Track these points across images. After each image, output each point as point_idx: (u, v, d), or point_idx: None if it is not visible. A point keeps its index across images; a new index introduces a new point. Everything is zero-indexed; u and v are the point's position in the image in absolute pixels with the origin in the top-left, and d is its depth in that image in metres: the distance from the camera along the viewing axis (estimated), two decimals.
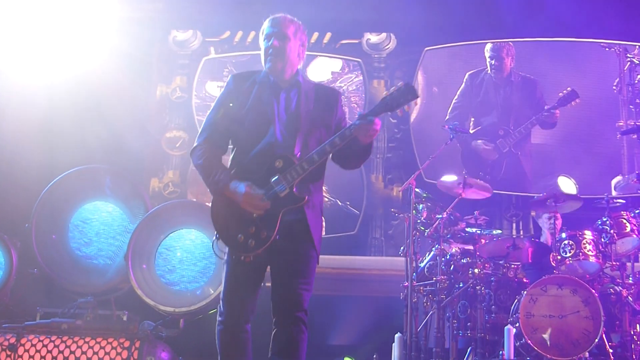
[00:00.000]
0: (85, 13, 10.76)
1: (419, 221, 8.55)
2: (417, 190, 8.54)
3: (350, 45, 11.32)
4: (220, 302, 4.98)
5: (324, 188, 5.24)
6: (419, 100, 4.60)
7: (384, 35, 11.25)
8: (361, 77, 11.06)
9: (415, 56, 11.12)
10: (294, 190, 4.82)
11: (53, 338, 7.67)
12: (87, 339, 7.69)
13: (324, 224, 5.25)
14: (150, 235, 8.35)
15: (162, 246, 8.38)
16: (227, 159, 5.17)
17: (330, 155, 4.95)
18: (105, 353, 7.62)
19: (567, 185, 10.18)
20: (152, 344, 7.81)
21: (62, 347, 7.64)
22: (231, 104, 5.02)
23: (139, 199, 8.76)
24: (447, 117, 10.73)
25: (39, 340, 7.65)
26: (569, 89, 10.13)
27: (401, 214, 8.96)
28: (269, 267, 5.02)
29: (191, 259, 8.42)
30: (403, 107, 4.84)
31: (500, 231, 9.24)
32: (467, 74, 10.89)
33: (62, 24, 10.72)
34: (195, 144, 5.07)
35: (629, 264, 8.38)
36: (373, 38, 11.27)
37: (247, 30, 11.32)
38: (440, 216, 8.36)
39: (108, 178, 8.67)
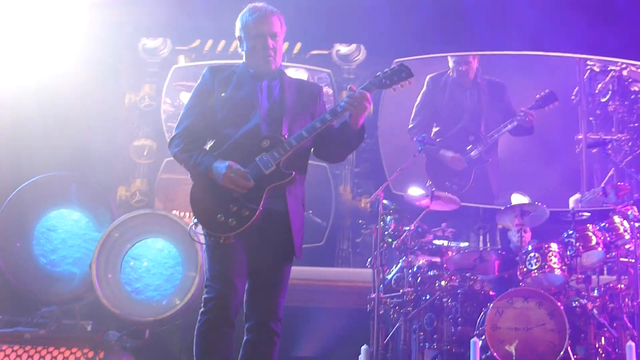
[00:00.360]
0: (52, 17, 10.69)
1: (386, 233, 8.55)
2: (384, 202, 8.55)
3: (319, 56, 11.33)
4: (205, 290, 4.65)
5: None
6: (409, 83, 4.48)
7: (353, 46, 11.27)
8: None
9: (385, 67, 11.05)
10: (280, 166, 4.66)
11: (15, 347, 7.60)
12: (50, 349, 7.63)
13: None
14: (117, 244, 8.30)
15: (128, 255, 8.33)
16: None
17: (316, 149, 4.95)
18: None
19: (520, 202, 10.14)
20: (117, 354, 7.76)
21: (24, 357, 7.58)
22: (209, 94, 4.89)
23: (105, 208, 8.70)
24: (411, 125, 10.73)
25: (1, 350, 7.56)
26: (547, 90, 9.99)
27: (369, 226, 8.97)
28: None
29: (158, 269, 8.38)
30: (397, 86, 4.88)
31: (467, 243, 9.27)
32: (428, 76, 10.82)
33: (29, 29, 10.64)
34: (173, 134, 4.88)
35: (594, 277, 8.43)
36: (343, 49, 11.28)
37: (218, 39, 11.30)
38: (408, 228, 8.37)
39: (74, 186, 8.61)
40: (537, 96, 9.31)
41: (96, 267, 8.08)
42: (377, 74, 4.88)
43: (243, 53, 5.01)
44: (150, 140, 11.06)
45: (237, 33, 5.06)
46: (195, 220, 4.69)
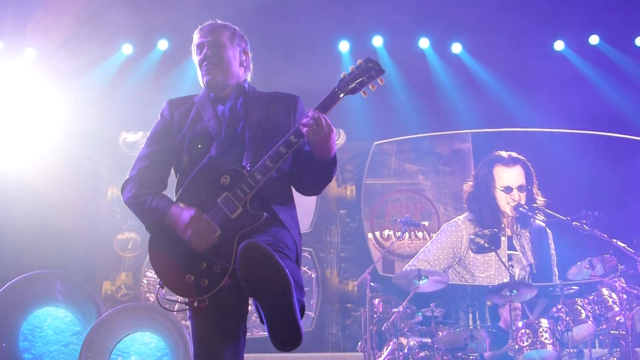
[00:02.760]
0: (33, 112, 10.77)
1: (375, 315, 8.51)
2: (372, 284, 8.53)
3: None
4: None
5: None
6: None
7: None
8: None
9: (365, 150, 11.26)
10: (248, 207, 3.94)
11: None
12: None
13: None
14: (104, 340, 8.18)
15: (116, 350, 8.20)
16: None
17: (290, 175, 4.24)
18: None
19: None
20: None
21: None
22: (168, 131, 4.29)
23: (91, 303, 8.60)
24: None
25: None
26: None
27: (357, 309, 8.94)
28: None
29: None
30: (368, 87, 4.17)
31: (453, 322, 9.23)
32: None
33: (9, 124, 10.72)
34: (125, 178, 4.28)
35: (586, 351, 8.40)
36: None
37: None
38: (397, 310, 8.33)
39: (58, 283, 8.52)
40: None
41: None
42: (342, 75, 4.15)
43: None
44: (134, 233, 11.04)
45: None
46: (160, 282, 4.02)
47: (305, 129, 3.89)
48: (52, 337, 8.50)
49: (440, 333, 8.50)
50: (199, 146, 4.11)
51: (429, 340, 8.44)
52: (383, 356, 8.52)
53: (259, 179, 3.90)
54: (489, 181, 11.10)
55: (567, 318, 8.17)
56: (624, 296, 8.15)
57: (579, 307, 8.26)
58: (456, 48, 11.21)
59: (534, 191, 10.99)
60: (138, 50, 11.19)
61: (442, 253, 10.84)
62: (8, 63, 10.73)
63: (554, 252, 10.78)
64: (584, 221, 8.88)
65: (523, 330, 8.10)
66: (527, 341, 8.02)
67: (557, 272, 10.64)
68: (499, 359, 8.50)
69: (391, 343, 8.47)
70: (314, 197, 11.00)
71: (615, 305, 8.24)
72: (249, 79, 4.46)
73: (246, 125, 4.14)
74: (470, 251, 10.39)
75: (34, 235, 10.24)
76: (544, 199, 10.92)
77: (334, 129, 3.99)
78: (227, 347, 3.94)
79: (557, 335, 8.09)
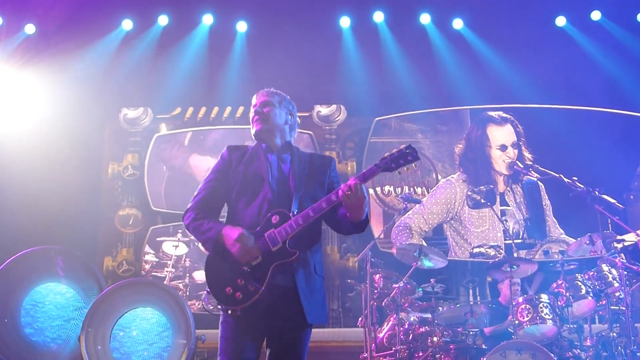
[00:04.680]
0: (33, 90, 10.76)
1: (375, 291, 8.53)
2: (372, 260, 8.54)
3: (300, 118, 11.31)
4: None
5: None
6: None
7: (334, 107, 11.38)
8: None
9: (365, 126, 11.26)
10: (287, 245, 4.73)
11: None
12: None
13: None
14: (105, 315, 8.19)
15: (117, 326, 8.22)
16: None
17: (326, 220, 4.99)
18: None
19: None
20: None
21: None
22: (226, 169, 5.05)
23: (92, 279, 8.62)
24: None
25: None
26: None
27: (358, 285, 8.96)
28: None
29: (147, 338, 8.27)
30: (403, 169, 4.80)
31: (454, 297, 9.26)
32: None
33: (9, 101, 10.72)
34: (187, 206, 5.03)
35: (586, 326, 8.42)
36: (323, 110, 11.38)
37: (198, 106, 11.40)
38: (397, 285, 8.35)
39: (60, 258, 8.53)
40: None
41: (85, 340, 7.97)
42: (384, 155, 4.81)
43: None
44: (135, 209, 11.08)
45: None
46: (208, 288, 4.84)
47: (341, 193, 4.63)
48: (53, 312, 8.52)
49: (440, 308, 8.53)
50: (253, 187, 4.90)
51: (429, 315, 8.46)
52: (383, 331, 8.55)
53: (301, 224, 4.70)
54: (484, 141, 11.24)
55: (567, 294, 8.18)
56: (624, 272, 8.17)
57: (579, 283, 8.27)
58: (457, 24, 11.18)
59: (522, 148, 11.13)
60: (138, 26, 11.17)
61: (436, 209, 11.01)
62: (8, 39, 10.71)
63: (547, 203, 10.94)
64: (587, 198, 8.91)
65: (523, 306, 8.11)
66: (527, 316, 8.04)
67: (555, 221, 10.80)
68: (499, 334, 8.51)
69: (392, 318, 8.49)
70: None
71: (615, 281, 8.25)
72: (294, 137, 5.27)
73: (292, 175, 4.95)
74: (465, 207, 10.74)
75: (35, 212, 10.27)
76: (531, 155, 11.07)
77: (367, 198, 4.72)
78: (247, 352, 4.70)
79: (557, 310, 8.10)
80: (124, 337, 8.24)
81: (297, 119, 5.39)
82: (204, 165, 11.21)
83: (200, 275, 10.87)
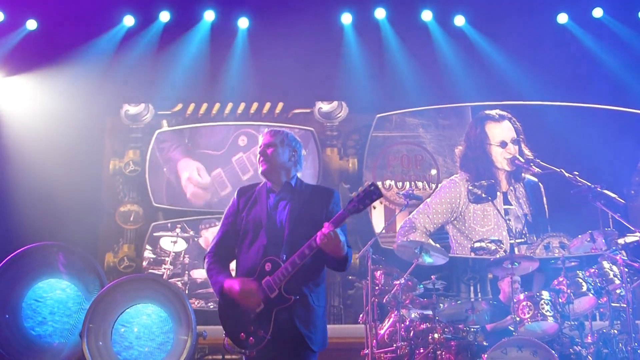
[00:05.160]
0: (34, 86, 10.77)
1: (376, 288, 8.54)
2: (373, 256, 8.54)
3: (302, 115, 11.43)
4: None
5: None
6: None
7: (335, 103, 11.38)
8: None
9: (367, 122, 11.26)
10: (282, 291, 5.14)
11: None
12: None
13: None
14: (106, 311, 8.20)
15: (118, 322, 8.22)
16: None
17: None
18: None
19: None
20: None
21: None
22: (235, 214, 5.49)
23: (93, 275, 8.63)
24: None
25: None
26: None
27: (359, 281, 8.96)
28: None
29: (149, 334, 8.27)
30: (371, 207, 5.34)
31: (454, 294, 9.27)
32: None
33: (11, 93, 10.73)
34: (206, 252, 5.56)
35: (587, 323, 8.43)
36: (325, 107, 11.38)
37: (199, 102, 11.40)
38: (398, 282, 8.36)
39: (61, 254, 8.54)
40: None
41: (86, 336, 7.98)
42: (351, 198, 5.08)
43: None
44: (136, 205, 11.08)
45: None
46: (225, 333, 5.31)
47: (319, 241, 4.99)
48: (55, 308, 8.53)
49: (441, 305, 8.54)
50: (253, 232, 5.34)
51: (430, 312, 8.47)
52: (384, 328, 8.56)
53: (290, 271, 5.09)
54: (483, 139, 11.24)
55: (568, 291, 8.20)
56: (625, 269, 8.18)
57: (580, 280, 8.29)
58: (459, 21, 11.18)
59: (522, 145, 11.15)
60: (140, 22, 11.17)
61: (441, 208, 11.02)
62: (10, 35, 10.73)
63: (546, 206, 10.93)
64: (589, 195, 8.92)
65: (524, 303, 8.12)
66: (528, 313, 8.05)
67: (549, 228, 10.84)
68: (500, 331, 8.53)
69: (392, 315, 8.50)
70: (315, 171, 11.04)
71: (616, 278, 8.26)
72: (298, 173, 5.59)
73: (288, 219, 5.31)
74: (470, 206, 10.78)
75: (36, 208, 10.28)
76: (531, 152, 11.09)
77: (342, 240, 5.05)
78: None
79: (558, 307, 8.12)
80: (126, 333, 8.24)
81: (304, 151, 5.74)
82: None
83: (199, 274, 10.86)
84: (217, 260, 5.47)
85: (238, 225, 5.44)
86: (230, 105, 11.41)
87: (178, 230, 11.09)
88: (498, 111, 11.27)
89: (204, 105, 11.42)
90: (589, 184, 9.02)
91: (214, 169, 11.19)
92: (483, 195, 10.45)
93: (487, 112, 11.31)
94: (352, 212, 5.07)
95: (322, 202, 5.40)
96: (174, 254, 11.02)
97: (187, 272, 10.92)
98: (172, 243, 11.04)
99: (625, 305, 8.15)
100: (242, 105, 11.40)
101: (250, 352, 5.15)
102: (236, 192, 5.58)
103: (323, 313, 5.37)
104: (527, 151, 11.04)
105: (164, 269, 10.87)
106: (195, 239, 10.99)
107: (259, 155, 5.50)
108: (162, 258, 10.96)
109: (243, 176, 11.09)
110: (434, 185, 11.06)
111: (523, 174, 10.98)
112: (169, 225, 11.02)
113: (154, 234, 10.97)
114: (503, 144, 11.12)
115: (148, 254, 10.91)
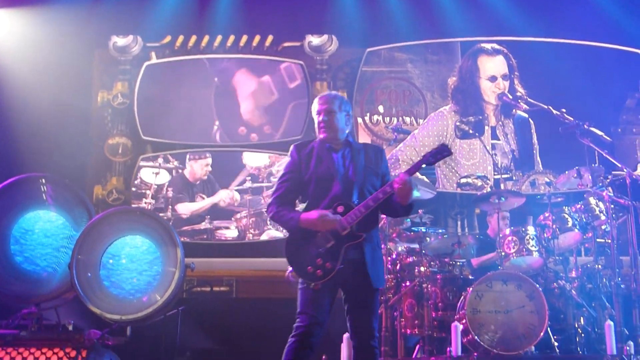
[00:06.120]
0: (22, 17, 10.66)
1: None
2: None
3: (292, 48, 11.36)
4: (297, 319, 5.69)
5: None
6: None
7: (325, 37, 11.30)
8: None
9: (357, 56, 11.21)
10: (353, 229, 5.63)
11: None
12: (32, 350, 7.55)
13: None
14: (95, 243, 8.22)
15: (106, 254, 8.25)
16: None
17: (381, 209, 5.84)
18: None
19: None
20: (99, 352, 7.70)
21: (6, 358, 7.50)
22: (298, 168, 5.91)
23: (82, 207, 8.62)
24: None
25: None
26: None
27: None
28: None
29: (137, 266, 8.31)
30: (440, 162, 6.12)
31: (443, 230, 9.32)
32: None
33: None
34: (268, 203, 5.93)
35: (571, 258, 8.52)
36: (315, 40, 11.30)
37: (188, 34, 11.30)
38: (385, 215, 8.39)
39: (49, 186, 8.52)
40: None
41: (75, 267, 8.01)
42: (427, 152, 5.77)
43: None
44: (125, 138, 11.04)
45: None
46: (291, 267, 5.74)
47: (396, 186, 5.55)
48: (43, 240, 8.53)
49: (428, 239, 8.60)
50: (325, 183, 5.80)
51: (417, 246, 8.54)
52: None
53: (363, 212, 5.62)
54: (474, 72, 11.26)
55: (554, 226, 8.26)
56: (611, 205, 8.24)
57: (566, 216, 8.35)
58: None
59: (515, 82, 11.15)
60: None
61: (428, 140, 11.02)
62: None
63: (536, 142, 11.02)
64: (576, 132, 8.94)
65: (510, 238, 8.19)
66: (513, 248, 8.13)
67: (539, 162, 10.91)
68: (486, 265, 8.62)
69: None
70: (305, 104, 11.01)
71: (601, 214, 8.33)
72: (350, 129, 6.09)
73: (353, 169, 5.84)
74: (456, 141, 10.82)
75: (24, 140, 10.24)
76: (524, 90, 11.11)
77: (414, 188, 5.68)
78: (321, 315, 5.64)
79: (543, 242, 8.19)
80: (114, 265, 8.27)
81: (352, 112, 6.15)
82: (194, 94, 11.18)
83: (184, 209, 10.85)
84: (286, 205, 5.86)
85: (304, 176, 5.87)
86: (219, 38, 11.31)
87: (160, 160, 11.04)
88: (494, 45, 11.23)
89: (193, 38, 11.31)
90: (577, 121, 9.02)
91: None
92: (470, 131, 10.47)
93: (482, 45, 11.26)
94: (425, 164, 5.76)
95: (377, 158, 5.98)
96: (155, 186, 10.96)
97: (170, 206, 10.86)
98: (153, 174, 10.97)
99: (610, 241, 8.23)
100: (232, 38, 11.31)
101: (315, 285, 5.58)
102: (293, 148, 6.00)
103: (381, 254, 6.05)
104: (519, 88, 11.02)
105: (145, 203, 10.79)
106: (180, 170, 10.94)
107: (319, 122, 5.93)
108: (143, 191, 10.89)
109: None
110: (421, 121, 11.05)
111: (513, 110, 10.98)
112: (158, 158, 10.99)
113: (143, 167, 10.95)
114: (492, 79, 11.09)
115: (139, 183, 10.89)
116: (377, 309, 5.88)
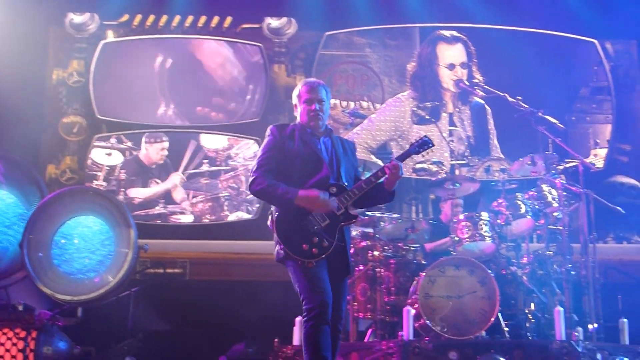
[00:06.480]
0: None
1: None
2: None
3: (250, 30, 11.30)
4: (304, 302, 5.61)
5: None
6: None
7: (284, 19, 11.25)
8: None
9: (315, 40, 11.19)
10: (348, 209, 5.79)
11: None
12: None
13: None
14: (47, 222, 8.18)
15: (59, 234, 8.21)
16: None
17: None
18: (0, 344, 7.44)
19: None
20: (49, 333, 7.68)
21: None
22: (280, 147, 5.87)
23: (34, 185, 8.58)
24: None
25: None
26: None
27: None
28: None
29: (89, 247, 8.29)
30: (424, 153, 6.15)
31: (397, 215, 9.36)
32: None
33: None
34: (251, 178, 5.83)
35: (523, 245, 8.60)
36: (274, 22, 11.25)
37: (146, 13, 11.17)
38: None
39: (1, 164, 8.44)
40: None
41: (26, 246, 7.96)
42: (412, 143, 6.09)
43: (297, 116, 6.06)
44: (80, 117, 10.91)
45: (293, 101, 6.14)
46: (283, 245, 5.68)
47: (388, 171, 5.78)
48: None
49: (382, 223, 8.62)
50: (313, 165, 5.82)
51: (371, 230, 8.56)
52: None
53: (357, 194, 5.79)
54: (433, 59, 11.26)
55: (507, 212, 8.32)
56: (563, 193, 8.33)
57: (519, 202, 8.41)
58: None
59: (473, 69, 11.18)
60: None
61: (385, 125, 11.04)
62: None
63: (492, 128, 11.08)
64: (531, 119, 9.01)
65: (464, 223, 8.24)
66: (467, 233, 8.17)
67: (497, 146, 11.01)
68: (439, 250, 8.67)
69: None
70: (264, 86, 10.98)
71: (554, 202, 8.40)
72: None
73: (336, 156, 5.96)
74: (412, 127, 10.84)
75: None
76: (482, 77, 11.14)
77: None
78: (329, 289, 5.61)
79: (496, 228, 8.25)
80: (66, 245, 8.25)
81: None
82: (151, 74, 11.08)
83: (137, 193, 10.71)
84: (277, 183, 5.77)
85: (286, 155, 5.84)
86: (177, 18, 11.21)
87: (113, 140, 10.90)
88: (453, 33, 11.25)
89: (151, 17, 11.20)
90: (532, 109, 9.10)
91: None
92: (427, 117, 10.51)
93: (441, 32, 11.28)
94: (413, 154, 6.06)
95: (352, 150, 6.15)
96: (107, 168, 10.78)
97: (122, 189, 10.70)
98: (105, 155, 10.81)
99: (561, 228, 8.34)
100: (190, 19, 11.21)
101: (309, 263, 5.58)
102: (273, 128, 5.99)
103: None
104: (477, 75, 11.08)
105: (96, 185, 10.54)
106: (135, 152, 10.84)
107: (312, 111, 5.96)
108: (95, 172, 10.72)
109: None
110: (378, 105, 11.07)
111: (470, 97, 11.05)
112: (110, 138, 10.87)
113: (95, 147, 10.81)
114: (451, 67, 11.13)
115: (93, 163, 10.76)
116: (347, 295, 6.05)
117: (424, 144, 6.05)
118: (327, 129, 6.09)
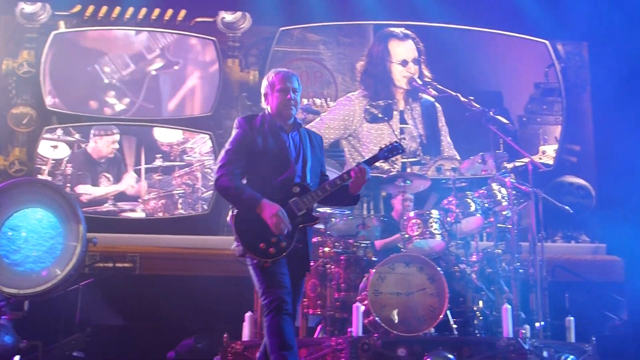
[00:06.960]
0: None
1: None
2: None
3: (204, 24, 11.25)
4: (263, 297, 5.59)
5: None
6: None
7: (239, 14, 11.22)
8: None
9: (270, 35, 11.17)
10: (310, 211, 5.78)
11: None
12: None
13: None
14: None
15: (5, 226, 8.11)
16: None
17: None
18: None
19: None
20: None
21: None
22: (250, 139, 5.77)
23: None
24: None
25: None
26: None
27: None
28: None
29: (37, 239, 8.19)
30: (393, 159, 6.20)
31: (348, 212, 9.38)
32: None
33: None
34: (218, 174, 5.71)
35: (473, 243, 8.67)
36: (228, 17, 11.22)
37: (99, 5, 11.06)
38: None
39: None
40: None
41: None
42: (382, 147, 6.03)
43: (268, 107, 5.92)
44: (29, 108, 10.76)
45: (263, 90, 5.97)
46: (240, 242, 5.63)
47: (354, 174, 5.73)
48: None
49: (333, 220, 8.63)
50: (279, 161, 5.75)
51: (322, 226, 8.56)
52: None
53: (320, 195, 5.76)
54: (385, 56, 11.33)
55: (457, 210, 8.38)
56: (513, 192, 8.42)
57: (469, 200, 8.48)
58: None
59: (422, 67, 11.28)
60: None
61: (334, 124, 11.09)
62: None
63: (444, 125, 11.21)
64: (482, 119, 9.10)
65: (414, 220, 8.28)
66: (417, 231, 8.21)
67: (451, 142, 11.14)
68: (389, 247, 8.70)
69: None
70: (217, 81, 10.94)
71: (503, 200, 8.48)
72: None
73: (304, 153, 5.88)
74: (364, 124, 10.94)
75: None
76: (431, 74, 11.26)
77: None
78: (288, 283, 5.63)
79: (446, 226, 8.31)
80: (13, 237, 8.14)
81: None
82: (102, 66, 10.98)
83: (85, 190, 10.57)
84: (240, 180, 5.77)
85: (255, 148, 5.75)
86: (130, 10, 11.11)
87: (59, 132, 10.76)
88: (403, 30, 11.31)
89: (104, 8, 11.08)
90: (483, 108, 9.19)
91: None
92: (379, 115, 10.56)
93: (391, 29, 11.34)
94: (382, 159, 6.13)
95: (320, 146, 6.07)
96: (53, 161, 10.65)
97: (69, 185, 10.55)
98: (51, 148, 10.66)
99: (510, 227, 8.43)
100: (144, 11, 11.12)
101: (266, 263, 5.56)
102: (242, 120, 5.88)
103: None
104: (427, 72, 11.16)
105: None
106: (82, 145, 10.72)
107: (288, 101, 5.86)
108: (39, 166, 10.55)
109: None
110: (332, 103, 11.10)
111: (420, 94, 11.12)
112: (57, 130, 10.72)
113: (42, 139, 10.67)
114: (404, 63, 11.20)
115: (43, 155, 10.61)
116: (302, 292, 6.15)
117: (393, 149, 6.03)
118: (296, 122, 5.99)
